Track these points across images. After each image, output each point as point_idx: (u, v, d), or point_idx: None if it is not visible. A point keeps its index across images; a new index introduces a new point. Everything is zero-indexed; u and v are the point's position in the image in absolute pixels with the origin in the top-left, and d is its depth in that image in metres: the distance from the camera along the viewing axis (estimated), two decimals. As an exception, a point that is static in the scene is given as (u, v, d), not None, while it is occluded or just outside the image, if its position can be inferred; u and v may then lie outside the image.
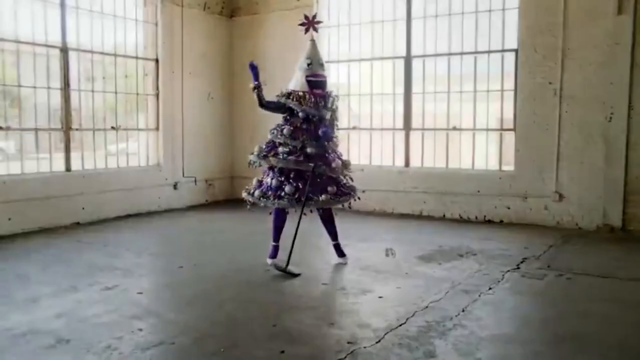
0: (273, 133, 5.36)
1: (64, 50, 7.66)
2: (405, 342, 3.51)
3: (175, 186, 9.32)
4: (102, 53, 8.26)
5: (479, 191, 8.08)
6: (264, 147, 5.37)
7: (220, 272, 5.26)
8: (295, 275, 5.07)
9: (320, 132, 5.18)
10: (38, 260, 5.67)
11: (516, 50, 7.76)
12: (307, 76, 5.30)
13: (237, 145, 10.13)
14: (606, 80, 7.13)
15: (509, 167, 8.07)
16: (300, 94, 5.29)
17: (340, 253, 5.60)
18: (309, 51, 5.42)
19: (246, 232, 7.20)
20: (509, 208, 7.87)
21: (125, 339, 3.58)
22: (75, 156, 7.95)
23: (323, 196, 5.18)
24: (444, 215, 8.36)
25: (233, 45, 10.29)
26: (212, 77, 9.95)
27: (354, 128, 9.42)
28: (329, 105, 5.23)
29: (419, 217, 8.42)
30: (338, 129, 5.67)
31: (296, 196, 5.16)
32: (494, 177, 8.01)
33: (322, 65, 5.41)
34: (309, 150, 5.20)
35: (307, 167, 5.17)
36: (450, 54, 8.33)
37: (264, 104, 5.32)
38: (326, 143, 5.23)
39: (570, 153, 7.44)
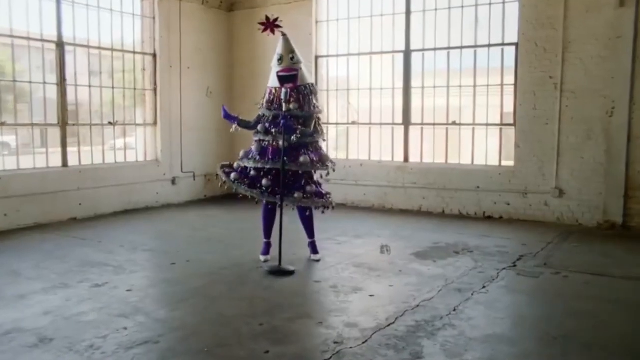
0: (255, 132, 5.42)
1: (60, 45, 7.61)
2: (393, 342, 3.45)
3: (173, 181, 9.29)
4: (98, 48, 8.23)
5: (478, 187, 7.99)
6: (248, 150, 5.45)
7: (213, 269, 5.21)
8: (290, 273, 5.02)
9: (281, 123, 5.12)
10: (31, 256, 5.64)
11: (516, 44, 7.66)
12: (277, 72, 5.33)
13: (237, 140, 10.03)
14: (607, 74, 7.02)
15: (509, 162, 7.97)
16: (273, 90, 5.36)
17: (314, 250, 5.57)
18: (280, 47, 5.42)
19: (242, 228, 7.16)
20: (508, 204, 7.78)
21: (109, 338, 3.54)
22: (74, 151, 7.94)
23: (297, 194, 5.17)
24: (443, 211, 8.28)
25: (232, 39, 10.22)
26: (211, 71, 9.89)
27: (353, 123, 9.34)
28: (282, 97, 5.17)
29: (418, 213, 8.34)
30: (319, 121, 5.51)
31: (269, 190, 5.20)
32: (493, 173, 7.92)
33: (293, 59, 5.34)
34: (280, 143, 5.17)
35: (273, 165, 5.16)
36: (450, 48, 8.24)
37: (253, 126, 5.45)
38: (293, 137, 5.14)
39: (570, 148, 7.34)
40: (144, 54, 8.92)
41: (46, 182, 7.47)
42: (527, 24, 7.50)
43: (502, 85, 7.89)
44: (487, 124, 8.11)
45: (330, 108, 9.56)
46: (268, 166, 5.19)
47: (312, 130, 5.33)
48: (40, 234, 6.74)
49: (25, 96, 7.64)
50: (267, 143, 5.30)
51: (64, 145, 7.79)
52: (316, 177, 5.54)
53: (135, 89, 8.81)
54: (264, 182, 5.22)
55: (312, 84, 5.51)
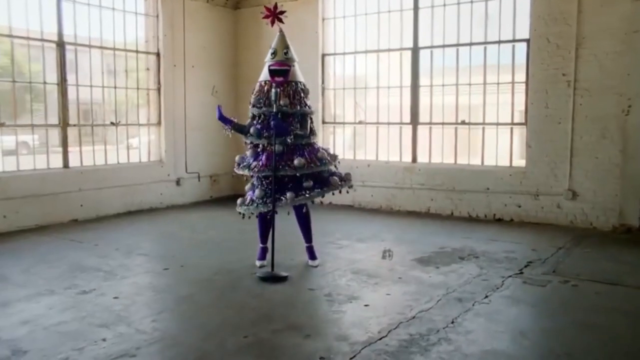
0: (247, 135, 5.25)
1: (60, 45, 7.50)
2: (382, 358, 3.23)
3: (178, 182, 9.15)
4: (100, 47, 8.10)
5: (488, 188, 7.71)
6: (243, 155, 5.28)
7: (206, 275, 5.04)
8: (283, 279, 4.83)
9: (271, 125, 4.94)
10: (23, 260, 5.53)
11: (528, 40, 7.36)
12: (269, 65, 5.19)
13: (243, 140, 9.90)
14: (623, 70, 6.70)
15: (520, 163, 7.70)
16: (263, 84, 5.21)
17: (312, 256, 5.37)
18: (275, 42, 5.27)
19: (243, 230, 6.92)
20: (519, 206, 7.50)
21: (85, 350, 3.38)
22: (77, 151, 7.85)
23: (289, 194, 4.96)
24: (451, 213, 8.02)
25: (238, 38, 10.05)
26: (216, 70, 9.72)
27: (360, 122, 9.10)
28: (272, 97, 4.98)
29: (426, 215, 8.09)
30: (311, 122, 5.28)
31: (263, 199, 5.01)
32: (504, 174, 7.63)
33: (287, 54, 5.19)
34: (276, 149, 4.97)
35: (267, 173, 4.97)
36: (459, 44, 7.96)
37: (247, 131, 5.24)
38: (289, 138, 4.94)
39: (584, 148, 7.03)
40: (147, 53, 8.79)
41: (46, 183, 7.37)
42: (539, 20, 7.21)
43: (512, 83, 7.61)
44: (497, 123, 7.82)
45: (337, 107, 9.35)
46: (263, 174, 5.01)
47: (307, 132, 5.14)
48: (38, 236, 6.63)
49: (25, 96, 7.55)
50: (260, 147, 5.12)
51: (64, 146, 7.70)
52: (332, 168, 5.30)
53: (138, 88, 8.69)
54: (256, 192, 5.03)
55: (304, 84, 5.31)
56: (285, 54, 5.17)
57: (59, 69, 7.52)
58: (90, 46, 8.00)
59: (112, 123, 8.31)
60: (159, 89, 8.90)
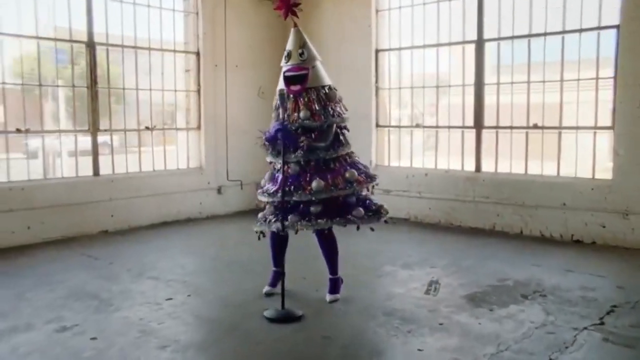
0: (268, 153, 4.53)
1: (91, 46, 7.06)
2: None
3: (219, 190, 8.55)
4: (134, 47, 7.60)
5: (565, 204, 6.52)
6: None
7: (210, 309, 4.33)
8: (295, 319, 4.01)
9: (278, 134, 4.20)
10: (25, 280, 5.03)
11: (617, 27, 6.14)
12: (284, 71, 4.38)
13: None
14: None
15: (605, 174, 6.46)
16: (277, 95, 4.46)
17: (332, 289, 4.46)
18: (289, 41, 4.43)
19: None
20: (603, 227, 6.26)
21: (18, 421, 2.71)
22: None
23: (290, 217, 4.22)
24: (520, 232, 6.87)
25: (286, 34, 9.26)
26: (262, 69, 8.98)
27: (416, 126, 8.10)
28: (274, 103, 4.25)
29: (491, 233, 6.99)
30: (341, 130, 4.43)
31: (274, 216, 4.33)
32: (585, 187, 6.42)
33: (302, 54, 4.32)
34: (291, 170, 4.19)
35: (279, 199, 4.22)
36: (531, 35, 6.81)
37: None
38: (299, 152, 4.16)
39: (689, 158, 5.73)
40: (186, 52, 8.24)
41: (75, 192, 6.95)
42: (632, 1, 5.95)
43: (597, 78, 6.37)
44: (577, 127, 6.60)
45: (393, 108, 8.42)
46: (278, 199, 4.26)
47: (329, 144, 4.28)
48: (57, 251, 6.18)
49: (51, 100, 7.18)
50: (275, 168, 4.41)
51: (95, 153, 7.25)
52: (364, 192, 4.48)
53: (176, 90, 8.14)
54: (268, 208, 4.42)
55: (330, 87, 4.42)
56: (301, 54, 4.30)
57: (88, 71, 7.08)
58: (123, 46, 7.50)
59: (147, 128, 7.81)
60: (198, 91, 8.33)
